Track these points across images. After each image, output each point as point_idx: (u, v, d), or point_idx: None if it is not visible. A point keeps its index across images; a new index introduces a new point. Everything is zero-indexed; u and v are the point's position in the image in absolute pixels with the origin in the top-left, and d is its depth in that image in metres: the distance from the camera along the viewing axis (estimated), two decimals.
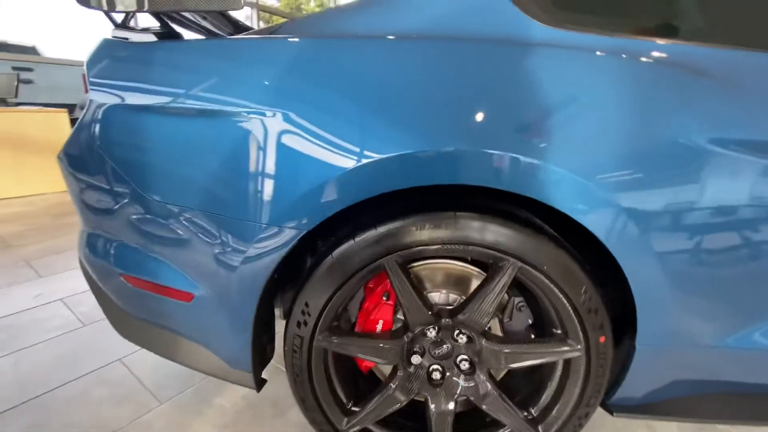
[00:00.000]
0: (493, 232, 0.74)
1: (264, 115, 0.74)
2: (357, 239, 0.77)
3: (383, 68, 0.74)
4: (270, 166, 0.75)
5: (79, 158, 0.95)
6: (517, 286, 0.89)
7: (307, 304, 0.81)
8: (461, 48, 0.74)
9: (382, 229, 0.76)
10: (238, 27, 1.16)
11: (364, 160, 0.69)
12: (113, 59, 0.91)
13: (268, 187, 0.76)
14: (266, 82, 0.76)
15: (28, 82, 5.23)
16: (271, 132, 0.74)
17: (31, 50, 6.40)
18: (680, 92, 0.70)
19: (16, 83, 3.97)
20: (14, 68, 5.09)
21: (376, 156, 0.69)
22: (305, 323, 0.82)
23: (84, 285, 1.90)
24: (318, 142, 0.72)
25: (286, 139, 0.73)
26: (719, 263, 0.73)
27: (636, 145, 0.68)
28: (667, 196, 0.69)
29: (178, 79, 0.83)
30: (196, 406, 1.18)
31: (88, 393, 1.22)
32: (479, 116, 0.69)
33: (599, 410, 0.90)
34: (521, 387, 0.98)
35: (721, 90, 0.70)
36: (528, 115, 0.69)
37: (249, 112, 0.75)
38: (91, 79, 0.92)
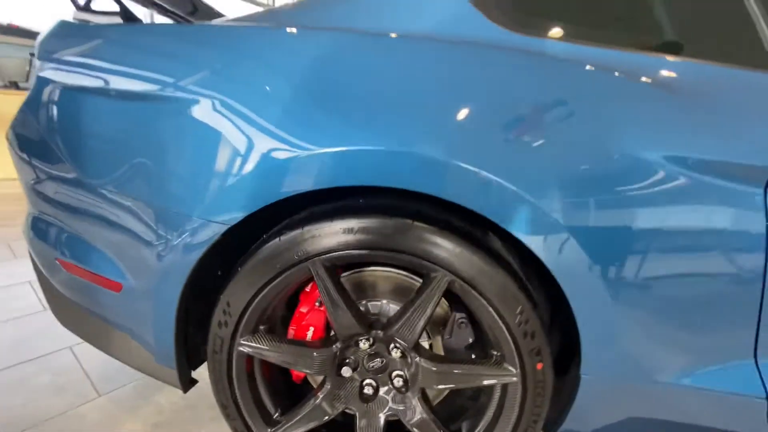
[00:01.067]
0: (423, 240, 0.69)
1: (192, 102, 0.71)
2: (282, 238, 0.72)
3: (323, 62, 0.71)
4: (195, 156, 0.72)
5: (24, 137, 0.94)
6: (460, 301, 0.83)
7: (228, 304, 0.76)
8: (408, 46, 0.71)
9: (308, 229, 0.71)
10: (201, 9, 1.12)
11: (284, 155, 0.66)
12: (65, 40, 0.90)
13: (193, 177, 0.72)
14: (198, 67, 0.73)
15: None
16: (198, 120, 0.71)
17: None
18: (636, 105, 0.65)
19: (28, 67, 4.06)
20: (32, 54, 5.22)
21: (311, 150, 0.65)
22: (226, 324, 0.77)
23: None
24: (247, 133, 0.69)
25: (213, 129, 0.70)
26: (668, 292, 0.67)
27: (582, 158, 0.63)
28: (612, 215, 0.64)
29: (120, 62, 0.81)
30: (133, 401, 1.14)
31: (30, 379, 1.19)
32: (416, 117, 0.65)
33: None
34: (462, 409, 0.92)
35: (680, 104, 0.65)
36: (467, 118, 0.64)
37: (177, 98, 0.72)
38: (40, 58, 0.91)
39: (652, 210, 0.63)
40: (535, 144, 0.63)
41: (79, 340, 1.37)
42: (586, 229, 0.64)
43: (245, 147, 0.69)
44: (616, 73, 0.66)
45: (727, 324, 0.69)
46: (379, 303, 0.86)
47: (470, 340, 0.83)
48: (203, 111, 0.71)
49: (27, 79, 4.10)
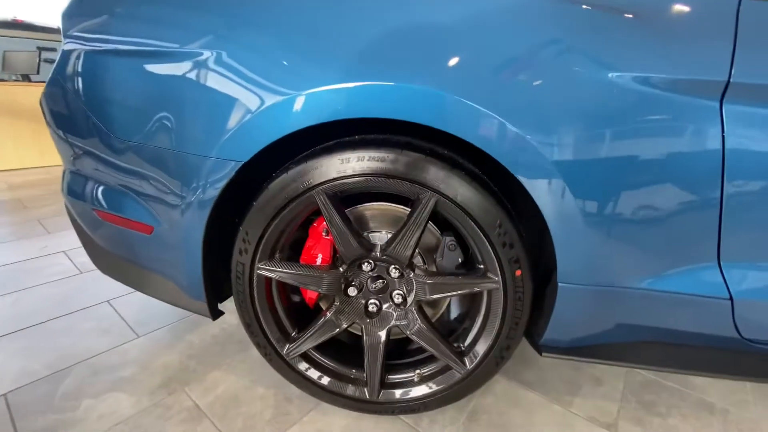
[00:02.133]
0: (411, 166, 0.79)
1: (204, 56, 0.81)
2: (289, 172, 0.83)
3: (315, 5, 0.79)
4: (208, 104, 0.82)
5: (55, 102, 1.05)
6: (450, 227, 0.93)
7: (247, 233, 0.88)
8: None
9: (311, 162, 0.82)
10: None
11: (286, 96, 0.75)
12: (83, 7, 1.00)
13: (208, 123, 0.83)
14: (205, 24, 0.82)
15: (52, 61, 5.49)
16: (207, 70, 0.81)
17: (56, 31, 6.68)
18: (600, 30, 0.71)
19: (38, 60, 4.18)
20: (39, 48, 5.34)
21: (308, 89, 0.75)
22: (245, 251, 0.89)
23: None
24: (253, 78, 0.79)
25: (221, 77, 0.80)
26: (633, 200, 0.74)
27: (555, 84, 0.70)
28: (577, 127, 0.70)
29: (137, 23, 0.91)
30: (168, 340, 1.29)
31: (75, 326, 1.35)
32: (397, 49, 0.73)
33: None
34: (456, 328, 1.04)
35: (641, 28, 0.71)
36: (444, 48, 0.72)
37: (188, 52, 0.82)
38: (65, 30, 1.01)
39: (616, 127, 0.70)
40: (510, 72, 0.71)
41: (116, 294, 1.53)
42: (555, 147, 0.71)
43: (252, 92, 0.79)
44: (584, 6, 0.73)
45: (690, 229, 0.75)
46: (378, 234, 0.97)
47: (460, 260, 0.93)
48: (212, 63, 0.81)
49: (38, 72, 4.23)
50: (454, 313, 1.09)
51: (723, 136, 0.71)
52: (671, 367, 0.94)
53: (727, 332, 0.86)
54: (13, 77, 4.21)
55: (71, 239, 2.07)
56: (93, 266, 1.76)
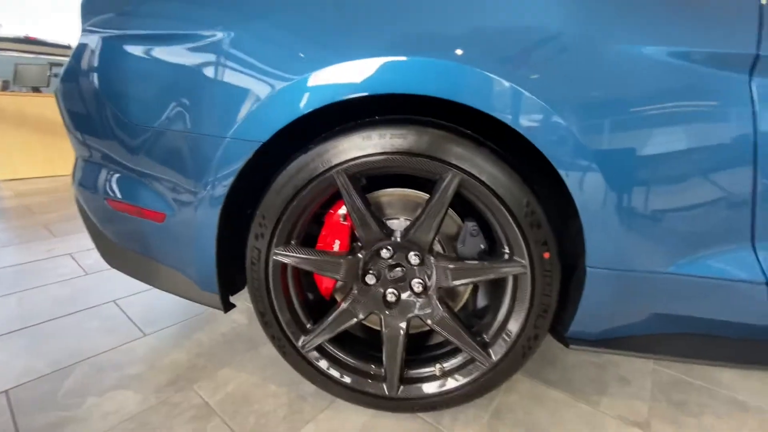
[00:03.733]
0: (434, 143, 0.76)
1: (222, 36, 0.80)
2: (309, 152, 0.81)
3: None
4: (228, 83, 0.81)
5: (70, 90, 1.04)
6: (472, 214, 0.90)
7: (264, 217, 0.85)
8: None
9: (331, 141, 0.80)
10: None
11: (303, 75, 0.74)
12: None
13: (225, 101, 0.81)
14: (223, 6, 0.82)
15: None
16: (225, 51, 0.80)
17: (66, 48, 6.86)
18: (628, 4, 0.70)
19: (48, 74, 4.25)
20: (50, 62, 5.46)
21: (316, 71, 0.73)
22: (262, 235, 0.86)
23: (92, 243, 2.02)
24: (270, 58, 0.77)
25: (240, 57, 0.79)
26: (664, 182, 0.71)
27: (582, 58, 0.68)
28: (607, 106, 0.69)
29: (152, 10, 0.90)
30: (176, 339, 1.25)
31: (80, 324, 1.31)
32: (420, 26, 0.72)
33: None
34: (479, 321, 0.99)
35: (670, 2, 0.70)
36: (463, 25, 0.71)
37: (204, 35, 0.81)
38: (82, 18, 1.01)
39: (646, 103, 0.68)
40: (541, 52, 0.69)
41: (123, 294, 1.49)
42: (588, 127, 0.69)
43: (268, 73, 0.77)
44: None
45: (722, 211, 0.72)
46: (396, 221, 0.94)
47: (482, 247, 0.90)
48: (226, 44, 0.80)
49: (48, 85, 4.30)
50: (477, 306, 1.04)
51: (754, 113, 0.69)
52: (704, 359, 0.89)
53: (763, 320, 0.82)
54: (24, 89, 4.28)
55: (78, 242, 2.04)
56: (99, 268, 1.73)
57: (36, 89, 4.27)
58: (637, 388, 1.11)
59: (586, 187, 0.73)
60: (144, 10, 0.93)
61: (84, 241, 2.06)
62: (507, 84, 0.69)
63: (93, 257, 1.85)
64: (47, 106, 3.77)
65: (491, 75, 0.69)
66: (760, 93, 0.69)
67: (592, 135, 0.70)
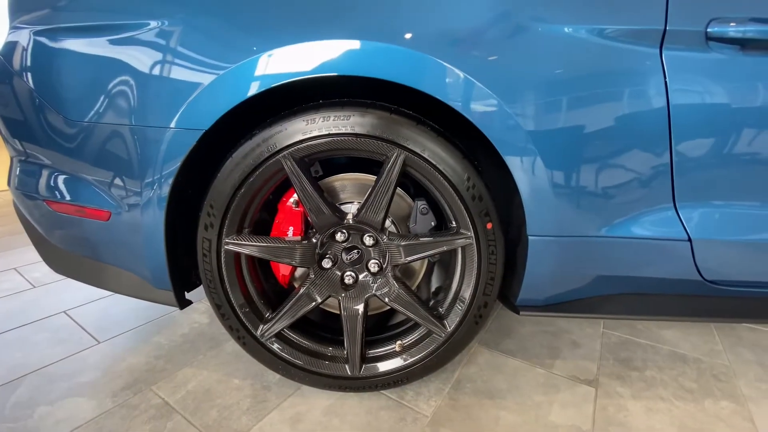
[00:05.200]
0: (377, 124, 0.79)
1: (157, 24, 0.79)
2: (254, 138, 0.81)
3: None
4: (165, 70, 0.79)
5: (1, 89, 0.99)
6: (421, 194, 0.94)
7: (212, 206, 0.85)
8: None
9: (275, 126, 0.80)
10: None
11: (243, 60, 0.74)
12: None
13: (166, 90, 0.80)
14: None
15: None
16: (161, 41, 0.79)
17: None
18: None
19: None
20: None
21: (267, 50, 0.74)
22: (211, 225, 0.86)
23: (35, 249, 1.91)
24: (203, 47, 0.77)
25: (178, 45, 0.78)
26: (589, 149, 0.76)
27: (511, 36, 0.72)
28: (534, 83, 0.73)
29: (85, 2, 0.87)
30: (133, 344, 1.21)
31: (27, 338, 1.24)
32: (364, 7, 0.74)
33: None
34: (435, 296, 1.03)
35: None
36: (410, 8, 0.73)
37: (144, 24, 0.80)
38: (11, 16, 0.96)
39: (569, 78, 0.73)
40: (470, 32, 0.72)
41: (74, 304, 1.43)
42: (513, 99, 0.73)
43: (206, 60, 0.77)
44: None
45: (644, 175, 0.79)
46: (350, 205, 0.96)
47: (432, 224, 0.94)
48: (163, 32, 0.79)
49: None
50: (432, 287, 1.08)
51: (666, 82, 0.76)
52: (643, 314, 0.97)
53: (690, 275, 0.89)
54: None
55: (23, 257, 1.92)
56: (48, 280, 1.64)
57: None
58: (588, 350, 1.19)
59: (521, 162, 0.77)
60: (76, 3, 0.90)
61: (30, 254, 1.94)
62: (445, 65, 0.72)
63: (41, 270, 1.75)
64: None
65: (429, 56, 0.72)
66: (670, 64, 0.76)
67: (524, 113, 0.74)
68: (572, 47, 0.73)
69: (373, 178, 0.94)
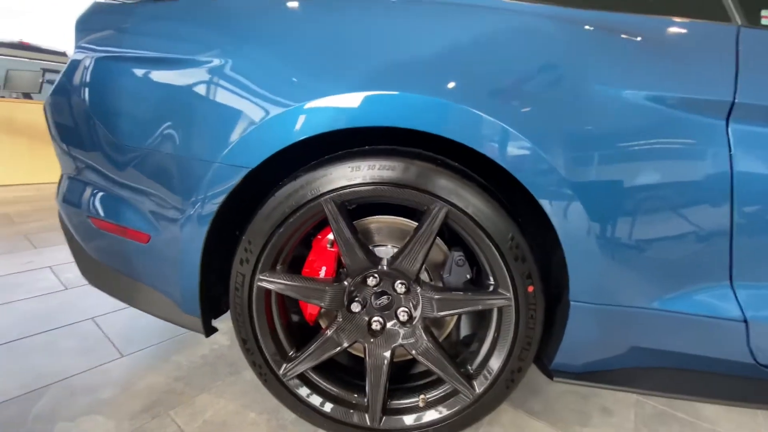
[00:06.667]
0: (422, 175, 0.77)
1: (217, 63, 0.81)
2: (298, 179, 0.81)
3: (324, 22, 0.80)
4: (220, 108, 0.81)
5: (60, 107, 1.03)
6: (457, 243, 0.91)
7: (249, 242, 0.85)
8: (401, 5, 0.80)
9: (320, 170, 0.80)
10: None
11: (306, 102, 0.75)
12: (98, 18, 1.01)
13: (216, 127, 0.81)
14: (217, 34, 0.83)
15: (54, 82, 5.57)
16: (221, 77, 0.81)
17: (62, 55, 6.85)
18: (611, 52, 0.73)
19: (41, 80, 4.22)
20: (43, 69, 5.43)
21: (319, 97, 0.74)
22: (247, 260, 0.86)
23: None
24: (265, 85, 0.78)
25: (236, 84, 0.80)
26: (645, 221, 0.73)
27: (569, 105, 0.71)
28: (592, 146, 0.71)
29: (147, 34, 0.91)
30: (154, 360, 1.21)
31: (55, 343, 1.26)
32: (419, 66, 0.74)
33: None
34: (463, 351, 0.99)
35: (649, 52, 0.74)
36: (467, 68, 0.73)
37: (202, 61, 0.82)
38: (78, 39, 1.02)
39: (628, 145, 0.70)
40: (523, 88, 0.71)
41: (101, 311, 1.45)
42: (569, 165, 0.71)
43: (262, 99, 0.78)
44: (595, 29, 0.75)
45: (701, 249, 0.75)
46: (383, 248, 0.94)
47: (468, 277, 0.91)
48: (223, 70, 0.81)
49: (39, 91, 4.27)
50: (461, 335, 1.04)
51: (730, 155, 0.72)
52: (685, 393, 0.90)
53: (742, 357, 0.83)
54: (14, 95, 4.23)
55: (58, 255, 1.99)
56: (79, 283, 1.69)
57: (27, 95, 4.23)
58: (620, 419, 1.11)
59: (569, 222, 0.74)
60: (141, 31, 0.94)
61: (65, 254, 2.01)
62: (491, 120, 0.71)
63: (73, 271, 1.81)
64: (37, 113, 3.72)
65: (476, 111, 0.71)
66: (736, 137, 0.72)
67: (574, 170, 0.72)
68: (631, 111, 0.71)
69: (409, 222, 0.92)
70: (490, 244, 0.78)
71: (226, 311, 1.04)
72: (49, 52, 6.61)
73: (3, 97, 3.97)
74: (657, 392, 0.91)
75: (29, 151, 3.67)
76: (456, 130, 0.73)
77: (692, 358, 0.85)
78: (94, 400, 1.03)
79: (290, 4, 0.84)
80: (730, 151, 0.72)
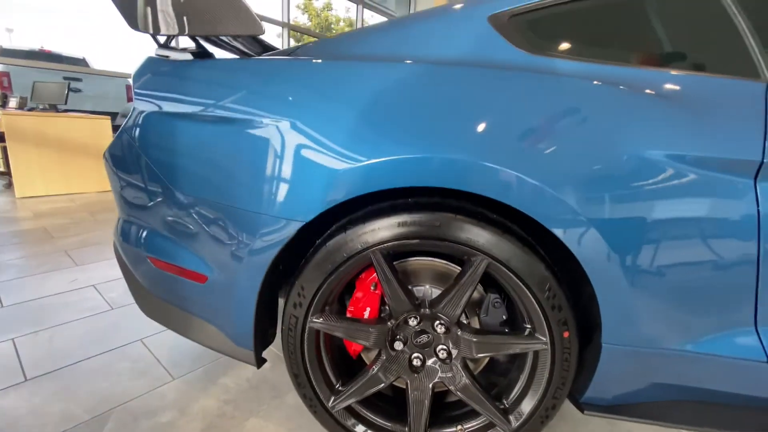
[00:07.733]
0: (466, 231, 0.83)
1: (276, 122, 0.88)
2: (348, 232, 0.88)
3: (380, 86, 0.86)
4: (278, 166, 0.88)
5: (120, 157, 1.12)
6: (494, 284, 0.97)
7: (302, 288, 0.92)
8: (454, 72, 0.85)
9: (368, 224, 0.87)
10: (266, 47, 1.32)
11: (357, 163, 0.81)
12: (155, 73, 1.08)
13: (275, 184, 0.88)
14: (279, 96, 0.89)
15: (77, 91, 5.72)
16: (280, 137, 0.87)
17: (82, 62, 7.01)
18: (643, 113, 0.78)
19: (66, 91, 4.36)
20: (65, 78, 5.59)
21: (369, 160, 0.81)
22: (300, 305, 0.93)
23: (114, 273, 2.08)
24: (319, 147, 0.85)
25: (293, 144, 0.86)
26: (675, 271, 0.78)
27: (598, 160, 0.77)
28: (630, 213, 0.76)
29: (207, 92, 0.98)
30: (203, 383, 1.30)
31: (111, 366, 1.36)
32: (467, 131, 0.80)
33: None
34: (498, 382, 1.05)
35: (675, 110, 0.78)
36: (506, 131, 0.79)
37: (263, 121, 0.89)
38: (135, 90, 1.09)
39: (659, 202, 0.75)
40: (558, 148, 0.77)
41: (148, 333, 1.55)
42: (603, 220, 0.76)
43: (318, 160, 0.84)
44: (621, 87, 0.80)
45: (728, 297, 0.80)
46: (422, 288, 1.01)
47: (504, 318, 0.97)
48: (281, 131, 0.87)
49: (66, 102, 4.40)
50: (496, 366, 1.10)
51: (758, 210, 0.76)
52: (712, 427, 0.95)
53: (765, 393, 0.88)
54: (41, 107, 4.37)
55: (99, 273, 2.10)
56: (123, 302, 1.79)
57: (53, 106, 4.37)
58: None
59: (603, 273, 0.80)
60: (196, 89, 1.00)
61: (107, 270, 2.12)
62: (528, 180, 0.76)
63: (116, 290, 1.91)
64: (66, 125, 3.86)
65: (521, 175, 0.77)
66: (763, 194, 0.76)
67: (612, 232, 0.77)
68: (654, 169, 0.75)
69: (448, 265, 0.98)
70: (529, 293, 0.84)
71: (272, 342, 1.12)
72: (69, 60, 6.78)
73: (33, 109, 4.12)
74: (684, 425, 0.97)
75: (59, 162, 3.82)
76: (498, 192, 0.79)
77: (718, 394, 0.91)
78: (156, 425, 1.12)
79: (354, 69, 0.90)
80: (758, 206, 0.76)
